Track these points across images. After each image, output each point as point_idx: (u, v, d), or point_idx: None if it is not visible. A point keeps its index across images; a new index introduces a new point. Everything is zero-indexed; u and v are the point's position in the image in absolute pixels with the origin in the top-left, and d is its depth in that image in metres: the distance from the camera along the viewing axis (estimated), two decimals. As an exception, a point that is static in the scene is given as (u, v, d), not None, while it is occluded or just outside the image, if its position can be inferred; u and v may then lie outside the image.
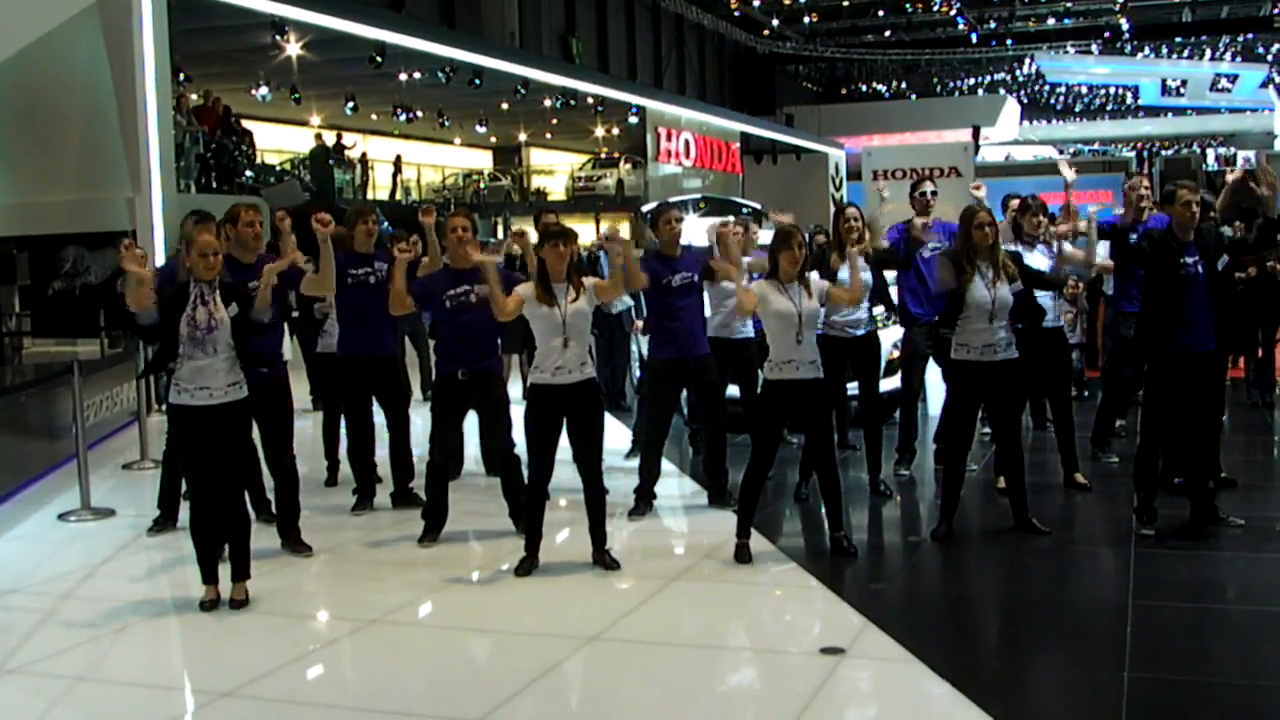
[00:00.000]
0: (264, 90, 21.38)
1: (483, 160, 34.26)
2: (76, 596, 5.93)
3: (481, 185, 30.54)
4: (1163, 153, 48.62)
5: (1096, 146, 51.82)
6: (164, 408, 10.72)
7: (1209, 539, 6.24)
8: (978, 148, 35.25)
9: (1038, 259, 7.28)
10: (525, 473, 6.36)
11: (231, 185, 18.32)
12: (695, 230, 10.35)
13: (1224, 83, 48.87)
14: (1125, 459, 7.72)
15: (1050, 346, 7.41)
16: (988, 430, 8.42)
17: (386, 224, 19.00)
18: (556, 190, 31.76)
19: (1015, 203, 8.30)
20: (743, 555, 6.05)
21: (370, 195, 24.93)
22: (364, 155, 26.19)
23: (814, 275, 6.31)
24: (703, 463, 7.57)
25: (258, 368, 5.68)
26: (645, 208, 14.67)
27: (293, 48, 19.03)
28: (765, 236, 8.88)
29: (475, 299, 6.46)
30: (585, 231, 23.79)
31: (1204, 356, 6.19)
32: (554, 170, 33.69)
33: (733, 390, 7.77)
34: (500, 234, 25.69)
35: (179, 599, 5.79)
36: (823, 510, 6.32)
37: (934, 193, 7.89)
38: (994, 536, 6.52)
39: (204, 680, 4.90)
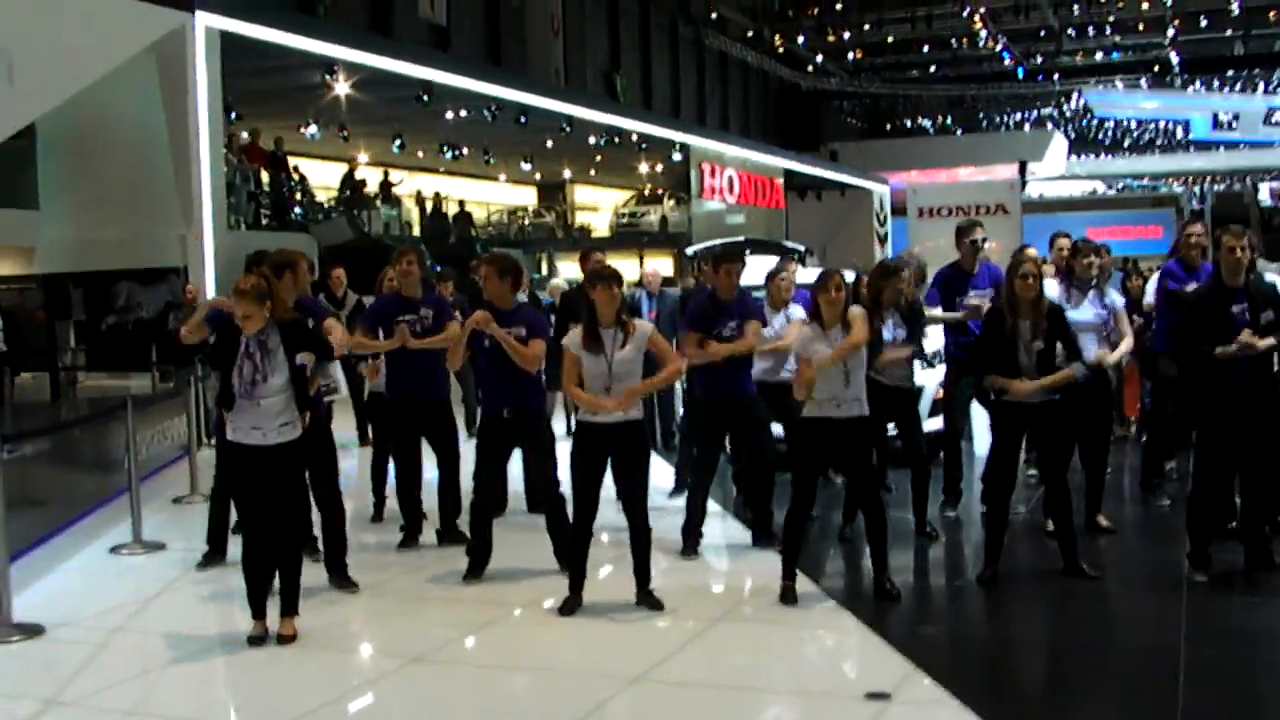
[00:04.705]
0: (313, 129, 21.71)
1: (527, 197, 34.52)
2: (128, 630, 6.00)
3: (526, 221, 30.74)
4: (1215, 188, 48.11)
5: (1146, 182, 51.40)
6: (213, 441, 10.90)
7: (1265, 586, 6.14)
8: (1024, 183, 35.05)
9: (1085, 310, 7.17)
10: (569, 511, 6.38)
11: (282, 222, 18.60)
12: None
13: (1278, 116, 48.33)
14: (1176, 502, 7.64)
15: (1093, 385, 7.32)
16: (1034, 472, 8.34)
17: (432, 261, 19.25)
18: (600, 227, 31.90)
19: (1064, 242, 8.24)
20: (788, 597, 6.01)
21: (418, 232, 25.17)
22: (419, 194, 26.45)
23: (854, 309, 6.19)
24: (748, 502, 7.54)
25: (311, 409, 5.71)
26: (690, 250, 14.66)
27: (342, 87, 19.32)
28: (805, 276, 8.88)
29: (516, 340, 6.51)
30: (629, 268, 23.88)
31: (1248, 399, 6.10)
32: (598, 207, 33.88)
33: (778, 429, 7.76)
34: (545, 271, 25.83)
35: (227, 634, 5.85)
36: (867, 551, 6.28)
37: (985, 240, 7.79)
38: (1042, 580, 6.44)
39: (252, 715, 4.96)
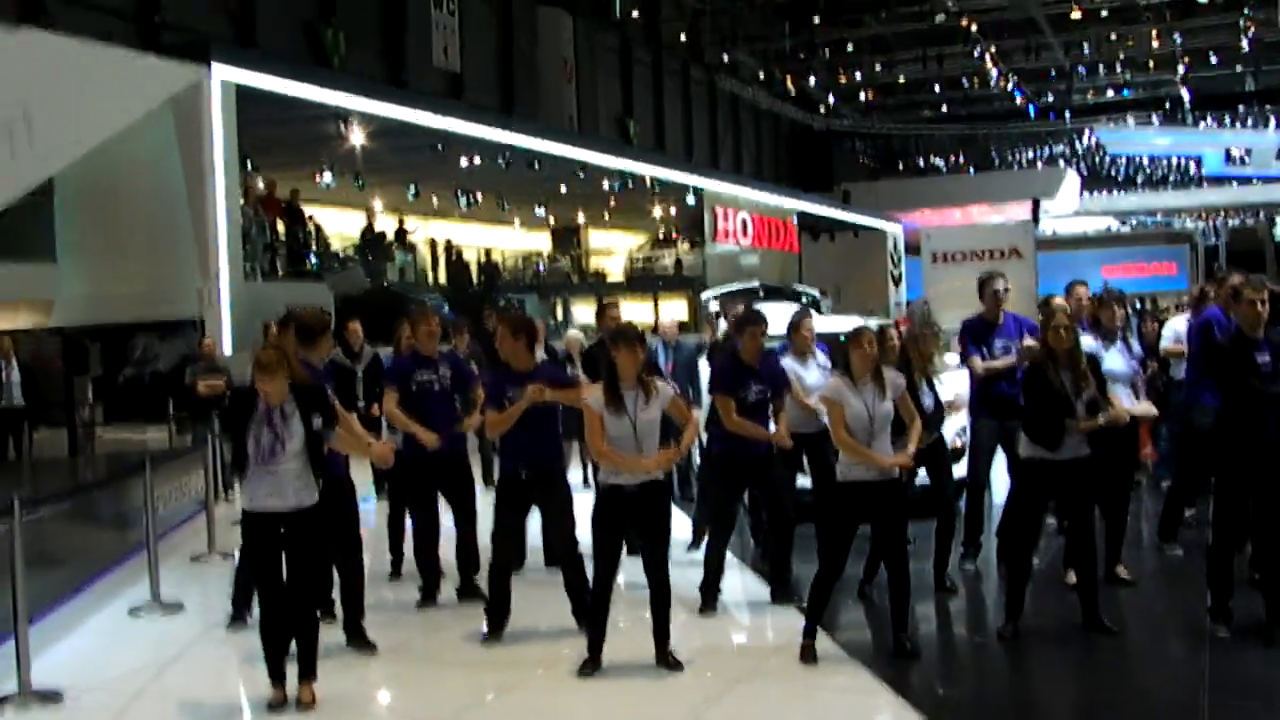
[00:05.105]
0: (328, 177, 21.86)
1: (542, 242, 34.66)
2: (147, 694, 5.99)
3: (541, 267, 30.84)
4: (1229, 223, 48.03)
5: (1159, 217, 51.36)
6: (229, 495, 10.91)
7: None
8: (1037, 220, 35.04)
9: (1115, 359, 7.18)
10: (588, 569, 6.35)
11: (298, 272, 18.71)
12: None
13: (1291, 150, 48.27)
14: (1190, 550, 7.59)
15: (1119, 436, 7.27)
16: (1052, 521, 8.27)
17: (447, 308, 19.32)
18: (615, 271, 31.97)
19: (1082, 291, 8.22)
20: (808, 656, 5.97)
21: (435, 279, 25.26)
22: (432, 240, 26.56)
23: (891, 372, 6.23)
24: (766, 557, 7.50)
25: (326, 472, 5.73)
26: (706, 295, 14.63)
27: (357, 136, 19.48)
28: (822, 324, 8.86)
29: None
30: (644, 311, 23.93)
31: (1272, 447, 6.06)
32: (612, 251, 33.95)
33: (803, 481, 7.75)
34: (560, 316, 25.88)
35: (247, 698, 5.83)
36: (885, 606, 6.23)
37: (1006, 290, 7.81)
38: (1062, 635, 6.38)
39: (270, 785, 4.91)
